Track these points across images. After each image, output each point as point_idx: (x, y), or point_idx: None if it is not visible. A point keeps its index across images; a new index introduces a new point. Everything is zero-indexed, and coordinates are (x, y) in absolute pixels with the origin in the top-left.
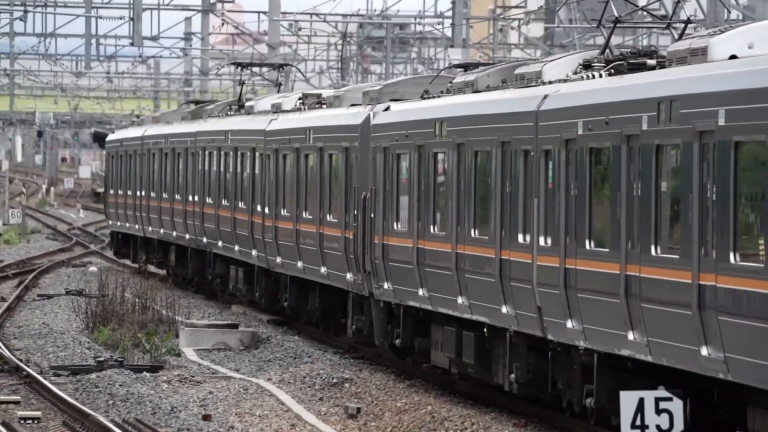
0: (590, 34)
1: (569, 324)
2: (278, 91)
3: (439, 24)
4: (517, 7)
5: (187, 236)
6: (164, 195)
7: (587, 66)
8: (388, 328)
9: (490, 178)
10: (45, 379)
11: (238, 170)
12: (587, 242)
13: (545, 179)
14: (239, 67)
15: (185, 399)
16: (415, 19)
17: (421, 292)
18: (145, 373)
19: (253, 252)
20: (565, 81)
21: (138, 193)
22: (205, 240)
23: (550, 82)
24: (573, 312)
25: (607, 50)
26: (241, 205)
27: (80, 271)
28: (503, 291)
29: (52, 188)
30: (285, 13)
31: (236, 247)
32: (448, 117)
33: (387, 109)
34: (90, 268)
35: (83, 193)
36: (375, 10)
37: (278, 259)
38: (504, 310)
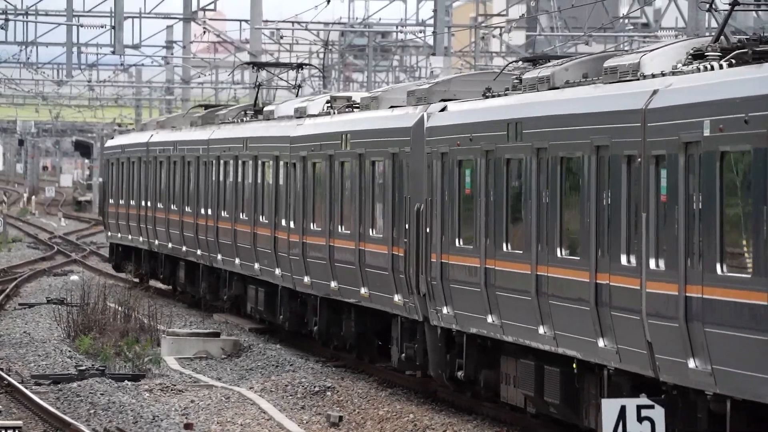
0: (572, 42)
1: (692, 363)
2: (297, 94)
3: (420, 32)
4: (498, 15)
5: (199, 252)
6: (173, 206)
7: (698, 56)
8: (447, 359)
9: (582, 189)
10: (26, 388)
11: (259, 181)
12: (718, 266)
13: (656, 190)
14: (255, 68)
15: (167, 408)
16: (397, 28)
17: (490, 318)
18: (126, 381)
19: (277, 271)
20: (675, 73)
21: (143, 203)
22: (219, 257)
23: (654, 76)
24: (697, 350)
25: (722, 38)
26: (262, 219)
27: (61, 279)
28: (600, 321)
29: (33, 197)
30: (267, 21)
31: (256, 265)
32: (523, 118)
33: (444, 109)
34: (71, 276)
35: (65, 202)
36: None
37: (306, 279)
38: (601, 343)
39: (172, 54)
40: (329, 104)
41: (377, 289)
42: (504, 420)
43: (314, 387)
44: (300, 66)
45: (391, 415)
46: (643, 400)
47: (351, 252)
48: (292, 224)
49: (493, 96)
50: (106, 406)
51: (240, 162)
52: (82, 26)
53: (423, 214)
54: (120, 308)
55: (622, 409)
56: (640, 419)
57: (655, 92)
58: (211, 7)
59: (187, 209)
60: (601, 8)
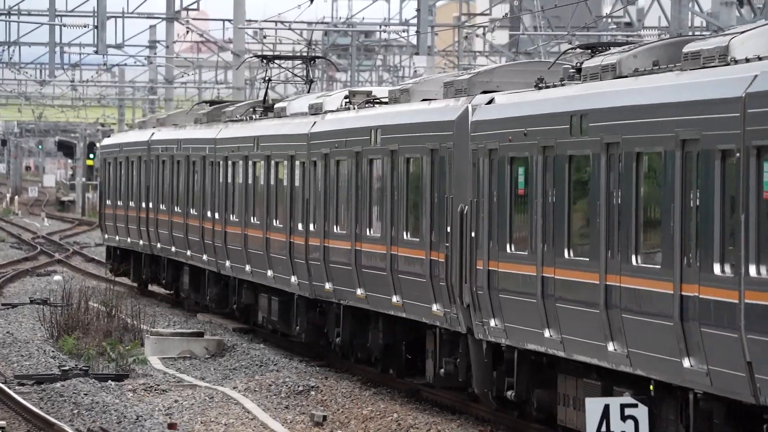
0: (555, 41)
1: None
2: (309, 89)
3: (404, 31)
4: (482, 14)
5: (205, 257)
6: (176, 209)
7: None
8: (494, 376)
9: (664, 188)
10: (9, 388)
11: (272, 182)
12: None
13: (757, 188)
14: (264, 61)
15: (151, 408)
16: (380, 27)
17: (547, 333)
18: (110, 381)
19: (293, 279)
20: None
21: (143, 205)
22: (228, 263)
23: (748, 60)
24: None
25: None
26: (275, 223)
27: (45, 280)
28: (685, 338)
29: (16, 197)
30: (250, 20)
31: (269, 273)
32: (590, 110)
33: (491, 101)
34: (54, 277)
35: (48, 202)
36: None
37: (328, 286)
38: (686, 363)
39: (155, 54)
40: (348, 99)
41: (412, 298)
42: (488, 419)
43: (298, 386)
44: (313, 59)
45: (375, 415)
46: (627, 399)
47: (381, 257)
48: (311, 227)
49: (548, 87)
50: (90, 406)
51: (250, 162)
52: (64, 26)
53: (467, 217)
54: (103, 308)
55: (606, 408)
56: (623, 418)
57: (756, 77)
58: (194, 6)
59: (192, 212)
60: (584, 7)
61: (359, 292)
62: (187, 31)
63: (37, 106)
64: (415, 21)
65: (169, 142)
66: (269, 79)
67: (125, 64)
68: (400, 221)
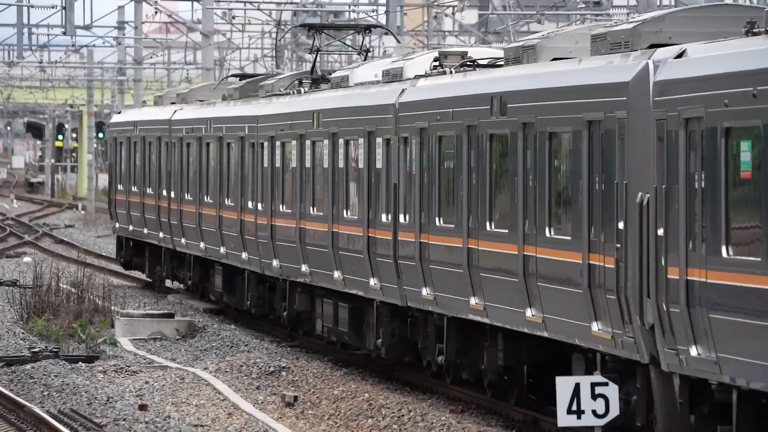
0: (524, 20)
1: None
2: (365, 58)
3: (373, 11)
4: None
5: (245, 255)
6: (207, 199)
7: None
8: (691, 422)
9: None
10: None
11: (340, 165)
12: None
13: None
14: (311, 31)
15: (121, 389)
16: (349, 7)
17: None
18: (80, 363)
19: (372, 281)
20: None
21: (164, 193)
22: (275, 263)
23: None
24: None
25: None
26: (346, 214)
27: (14, 261)
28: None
29: None
30: (219, 1)
31: (336, 274)
32: None
33: (681, 55)
34: (24, 258)
35: (17, 183)
36: None
37: (425, 291)
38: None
39: (123, 35)
40: (438, 63)
41: (557, 313)
42: (459, 399)
43: (269, 367)
44: (368, 28)
45: (346, 395)
46: (598, 377)
47: (511, 259)
48: (402, 219)
49: (760, 33)
50: (60, 387)
51: (309, 142)
52: (32, 7)
53: (650, 209)
54: (73, 290)
55: (576, 386)
56: (594, 396)
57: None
58: None
59: (228, 202)
60: None
61: (474, 301)
62: (156, 12)
63: (5, 87)
64: (384, 1)
65: (195, 122)
66: (318, 49)
67: (94, 45)
68: (539, 214)
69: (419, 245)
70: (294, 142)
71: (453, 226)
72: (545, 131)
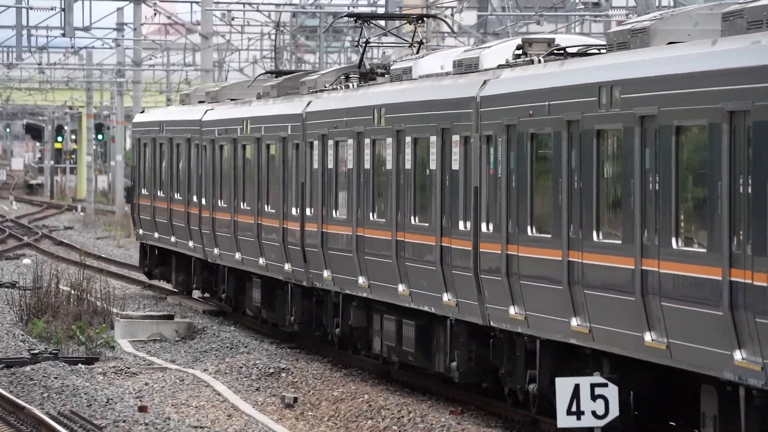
0: (523, 21)
1: None
2: (417, 51)
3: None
4: None
5: (288, 267)
6: (243, 205)
7: None
8: None
9: None
10: None
11: (406, 166)
12: None
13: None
14: (359, 21)
15: (121, 391)
16: (349, 8)
17: None
18: (80, 365)
19: (446, 296)
20: None
21: (194, 198)
22: (327, 274)
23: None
24: None
25: None
26: (414, 221)
27: (14, 263)
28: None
29: None
30: (218, 2)
31: (401, 287)
32: None
33: None
34: (23, 260)
35: (16, 185)
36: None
37: (513, 310)
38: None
39: (122, 36)
40: (521, 51)
41: (686, 338)
42: (458, 400)
43: (269, 368)
44: (421, 18)
45: (346, 396)
46: (597, 378)
47: (624, 274)
48: (489, 226)
49: None
50: (60, 389)
51: (369, 140)
52: (31, 8)
53: None
54: (73, 291)
55: (576, 387)
56: (593, 397)
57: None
58: None
59: (268, 209)
60: None
61: (576, 322)
62: (155, 14)
63: (4, 89)
64: (383, 2)
65: (229, 122)
66: (367, 41)
67: (93, 47)
68: (662, 222)
69: (506, 257)
70: (350, 141)
71: (549, 236)
72: (670, 125)
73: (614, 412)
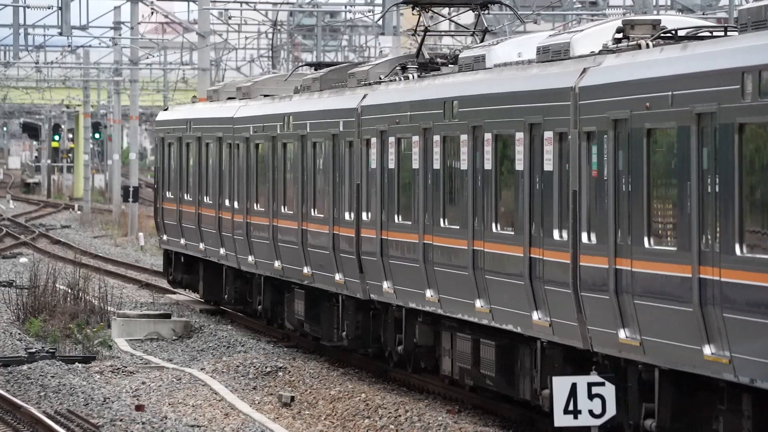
0: (518, 21)
1: None
2: (482, 39)
3: (369, 11)
4: None
5: (339, 276)
6: (284, 209)
7: None
8: None
9: None
10: None
11: (485, 166)
12: None
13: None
14: (416, 8)
15: (118, 389)
16: (346, 7)
17: None
18: (77, 364)
19: (536, 314)
20: None
21: (226, 202)
22: (388, 285)
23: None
24: None
25: None
26: (495, 229)
27: (11, 262)
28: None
29: None
30: (215, 1)
31: (479, 303)
32: None
33: None
34: (20, 259)
35: (13, 184)
36: None
37: (625, 333)
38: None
39: (119, 35)
40: (622, 34)
41: None
42: (455, 399)
43: (266, 367)
44: (485, 5)
45: (343, 395)
46: (594, 377)
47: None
48: (591, 237)
49: None
50: (57, 388)
51: (438, 137)
52: (28, 7)
53: None
54: (70, 290)
55: (573, 386)
56: (590, 396)
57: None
58: None
59: (315, 213)
60: None
61: (710, 351)
62: (152, 12)
63: (1, 87)
64: (380, 1)
65: (267, 119)
66: (426, 29)
67: (90, 46)
68: None
69: (615, 273)
70: (416, 138)
71: (675, 249)
72: None
73: (611, 411)
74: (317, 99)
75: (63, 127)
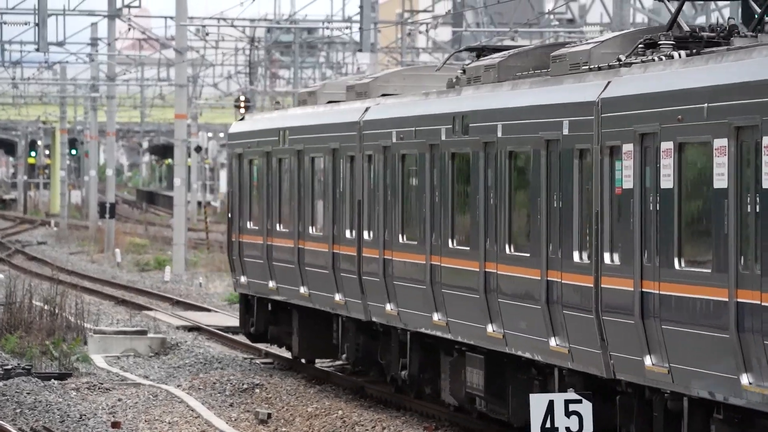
0: (497, 37)
1: None
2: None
3: (347, 28)
4: (425, 11)
5: (499, 332)
6: (453, 243)
7: None
8: None
9: None
10: None
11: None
12: None
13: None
14: None
15: (94, 406)
16: (323, 24)
17: None
18: (53, 380)
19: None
20: None
21: (345, 234)
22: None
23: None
24: None
25: None
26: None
27: None
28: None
29: None
30: (192, 18)
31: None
32: None
33: None
34: None
35: None
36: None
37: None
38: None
39: (96, 51)
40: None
41: None
42: (432, 416)
43: (243, 384)
44: None
45: (320, 412)
46: (571, 395)
47: None
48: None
49: None
50: (33, 405)
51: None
52: (5, 23)
53: None
54: (46, 307)
55: (550, 403)
56: (567, 414)
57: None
58: (136, 4)
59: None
60: (527, 4)
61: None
62: (129, 29)
63: None
64: (358, 18)
65: (423, 120)
66: None
67: (67, 62)
68: None
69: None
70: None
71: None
72: None
73: (588, 428)
74: (510, 91)
75: (39, 143)
